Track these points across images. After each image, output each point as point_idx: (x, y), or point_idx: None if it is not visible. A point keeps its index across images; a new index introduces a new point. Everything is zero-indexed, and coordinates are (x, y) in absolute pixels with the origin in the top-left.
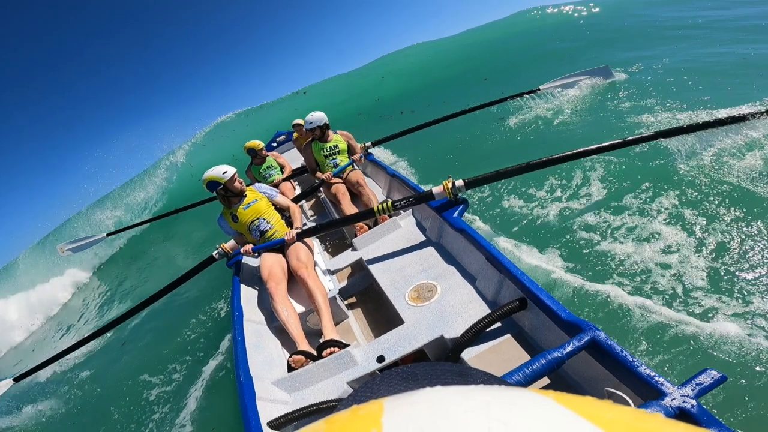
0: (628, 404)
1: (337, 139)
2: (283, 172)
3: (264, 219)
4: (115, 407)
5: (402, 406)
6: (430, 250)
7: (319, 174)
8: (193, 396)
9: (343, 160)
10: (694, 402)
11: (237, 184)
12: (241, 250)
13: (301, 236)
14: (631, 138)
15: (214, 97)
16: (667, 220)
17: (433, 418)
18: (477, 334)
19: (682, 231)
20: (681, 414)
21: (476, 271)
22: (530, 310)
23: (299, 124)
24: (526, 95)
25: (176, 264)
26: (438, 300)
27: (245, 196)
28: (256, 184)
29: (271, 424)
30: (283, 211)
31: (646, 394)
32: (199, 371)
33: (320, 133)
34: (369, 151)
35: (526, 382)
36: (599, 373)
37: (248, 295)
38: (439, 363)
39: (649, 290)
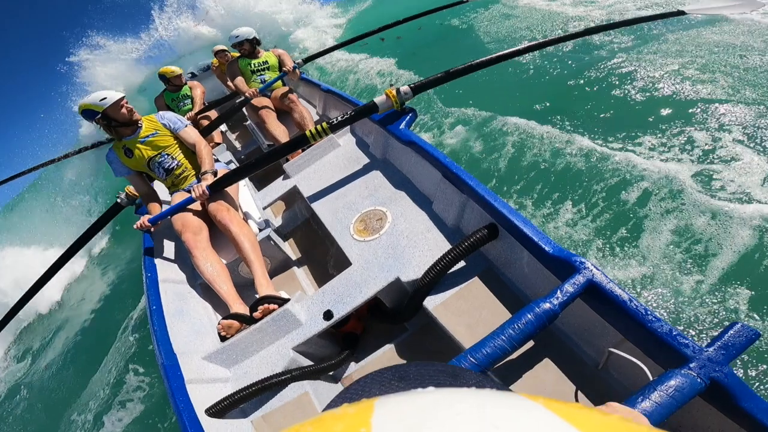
0: (642, 370)
1: (268, 55)
2: (193, 105)
3: (168, 154)
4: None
5: (392, 407)
6: (376, 171)
7: (240, 83)
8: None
9: (272, 76)
10: (726, 369)
11: (123, 111)
12: (135, 226)
13: (216, 188)
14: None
15: None
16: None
17: (423, 419)
18: (440, 275)
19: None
20: (712, 385)
21: (432, 192)
22: (503, 240)
23: (222, 50)
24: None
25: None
26: (389, 231)
27: (140, 126)
28: (159, 113)
29: (210, 412)
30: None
31: (663, 357)
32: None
33: (249, 48)
34: (299, 70)
35: (511, 347)
36: (598, 327)
37: (164, 250)
38: (432, 363)
39: (649, 222)
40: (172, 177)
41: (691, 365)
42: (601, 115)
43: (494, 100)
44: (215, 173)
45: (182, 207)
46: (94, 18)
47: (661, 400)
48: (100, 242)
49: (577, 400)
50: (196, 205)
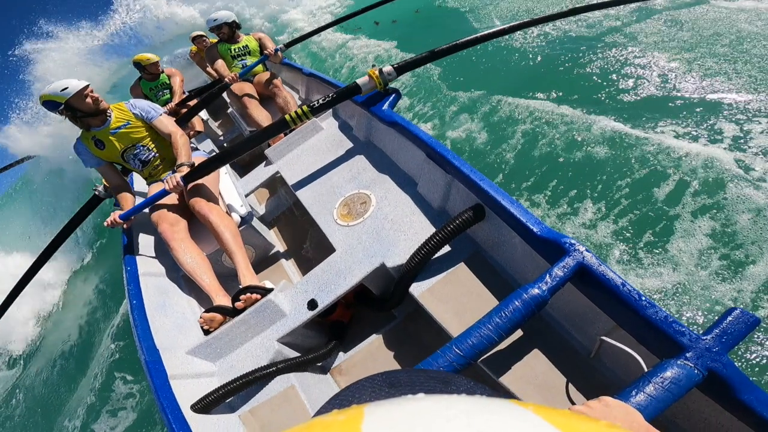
0: (636, 361)
1: (248, 39)
2: (172, 95)
3: (143, 146)
4: None
5: (383, 413)
6: (360, 154)
7: (221, 67)
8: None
9: (254, 61)
10: (724, 359)
11: (88, 100)
12: (105, 223)
13: (193, 178)
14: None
15: None
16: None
17: (413, 426)
18: (425, 260)
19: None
20: (710, 376)
21: (416, 173)
22: (490, 222)
23: (200, 36)
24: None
25: None
26: (373, 214)
27: (109, 116)
28: (131, 101)
29: (196, 408)
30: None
31: (658, 345)
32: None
33: (228, 32)
34: (281, 53)
35: (498, 336)
36: (590, 313)
37: (145, 243)
38: (423, 370)
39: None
40: (149, 168)
41: (688, 355)
42: (621, 101)
43: (503, 85)
44: (192, 165)
45: (155, 200)
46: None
47: (656, 393)
48: (82, 254)
49: (568, 393)
50: (174, 196)
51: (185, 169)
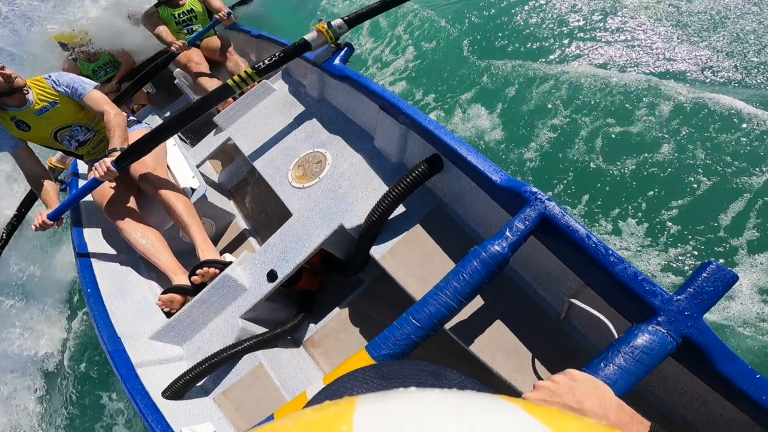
0: (607, 327)
1: (191, 2)
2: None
3: (80, 126)
4: None
5: (374, 405)
6: (314, 112)
7: (164, 33)
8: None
9: (202, 27)
10: (699, 324)
11: None
12: (33, 227)
13: (127, 161)
14: None
15: None
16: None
17: (404, 419)
18: (383, 218)
19: None
20: (684, 343)
21: (372, 127)
22: (448, 173)
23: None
24: None
25: None
26: (329, 174)
27: (27, 92)
28: (53, 76)
29: (167, 394)
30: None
31: (628, 307)
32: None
33: None
34: (233, 17)
35: (458, 303)
36: (557, 271)
37: (94, 226)
38: (415, 362)
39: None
40: (87, 147)
41: (660, 319)
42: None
43: (534, 51)
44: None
45: (87, 191)
46: None
47: (626, 364)
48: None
49: (538, 359)
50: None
51: (117, 155)
